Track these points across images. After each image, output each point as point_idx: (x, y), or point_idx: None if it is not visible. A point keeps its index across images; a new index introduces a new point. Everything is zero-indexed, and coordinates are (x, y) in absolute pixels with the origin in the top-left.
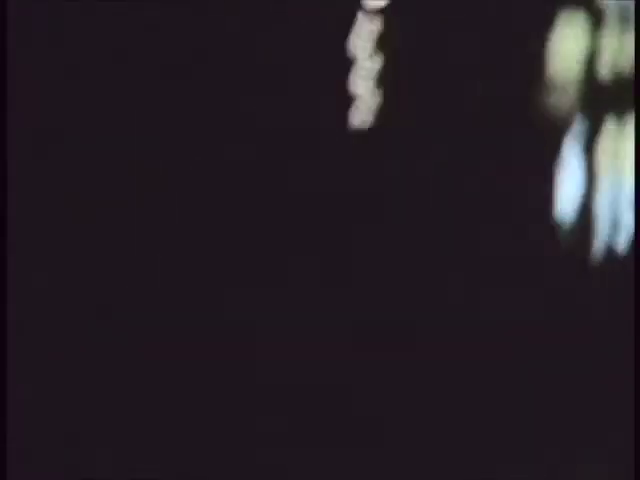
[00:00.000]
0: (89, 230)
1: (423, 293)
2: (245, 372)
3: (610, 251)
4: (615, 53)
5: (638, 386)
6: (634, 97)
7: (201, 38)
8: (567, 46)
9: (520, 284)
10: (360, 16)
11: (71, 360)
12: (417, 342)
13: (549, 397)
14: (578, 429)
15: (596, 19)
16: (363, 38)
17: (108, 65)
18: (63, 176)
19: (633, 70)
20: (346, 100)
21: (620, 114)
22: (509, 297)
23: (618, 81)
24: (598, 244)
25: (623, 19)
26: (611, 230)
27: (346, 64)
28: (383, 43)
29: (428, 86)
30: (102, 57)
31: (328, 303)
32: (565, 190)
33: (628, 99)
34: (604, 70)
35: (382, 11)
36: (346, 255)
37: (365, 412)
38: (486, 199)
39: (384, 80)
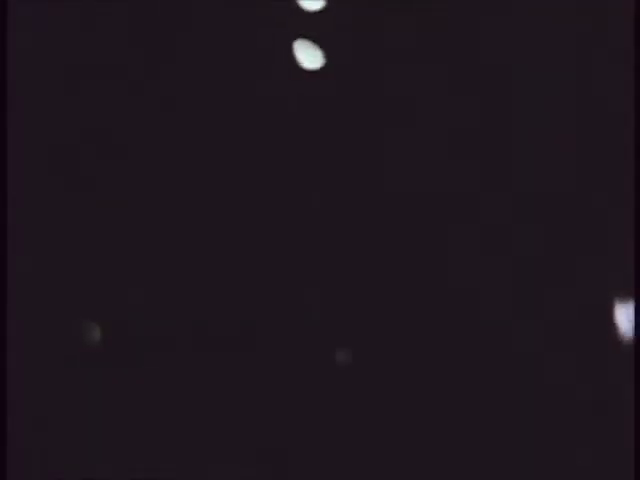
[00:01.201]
0: (90, 231)
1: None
2: (243, 375)
3: None
4: None
5: (638, 386)
6: (634, 101)
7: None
8: None
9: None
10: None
11: (70, 358)
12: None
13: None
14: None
15: None
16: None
17: (109, 66)
18: (63, 177)
19: (633, 73)
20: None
21: None
22: None
23: None
24: None
25: None
26: None
27: None
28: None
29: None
30: (103, 57)
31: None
32: None
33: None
34: None
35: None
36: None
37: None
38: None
39: None
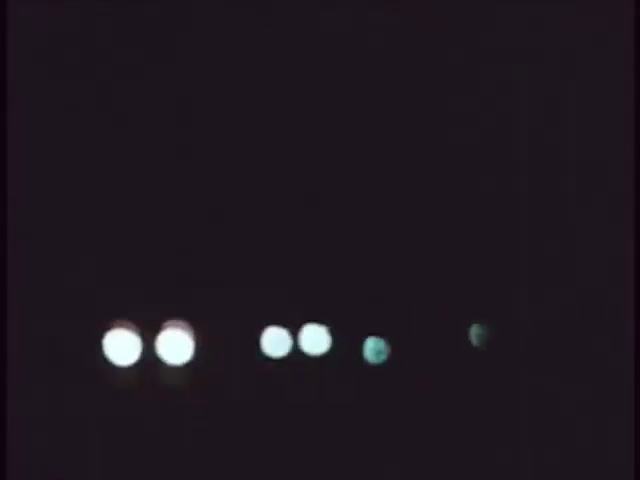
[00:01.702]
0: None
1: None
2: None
3: None
4: None
5: (638, 386)
6: (634, 101)
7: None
8: None
9: None
10: None
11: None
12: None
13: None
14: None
15: None
16: None
17: (108, 65)
18: (63, 177)
19: (633, 72)
20: None
21: None
22: None
23: None
24: None
25: None
26: None
27: None
28: None
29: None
30: (103, 57)
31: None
32: None
33: None
34: None
35: None
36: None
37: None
38: None
39: None
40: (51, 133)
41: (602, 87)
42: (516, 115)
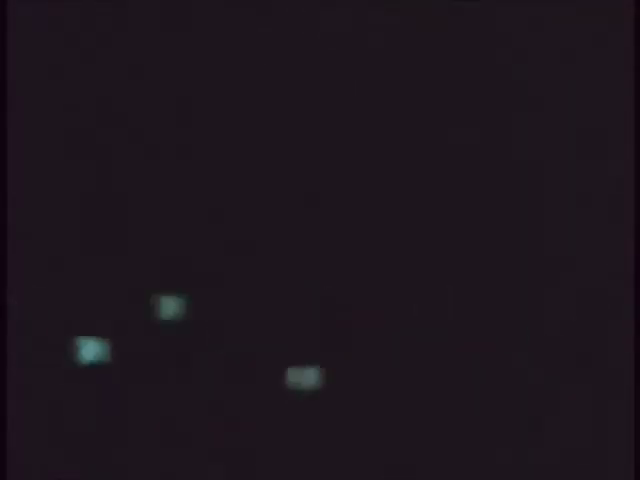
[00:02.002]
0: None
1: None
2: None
3: None
4: None
5: (638, 387)
6: (634, 98)
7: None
8: None
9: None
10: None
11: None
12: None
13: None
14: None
15: None
16: None
17: (108, 65)
18: (63, 175)
19: (633, 72)
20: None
21: None
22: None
23: None
24: None
25: None
26: None
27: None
28: None
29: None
30: (102, 57)
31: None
32: None
33: None
34: None
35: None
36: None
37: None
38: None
39: None
40: (51, 133)
41: (602, 87)
42: (516, 115)
